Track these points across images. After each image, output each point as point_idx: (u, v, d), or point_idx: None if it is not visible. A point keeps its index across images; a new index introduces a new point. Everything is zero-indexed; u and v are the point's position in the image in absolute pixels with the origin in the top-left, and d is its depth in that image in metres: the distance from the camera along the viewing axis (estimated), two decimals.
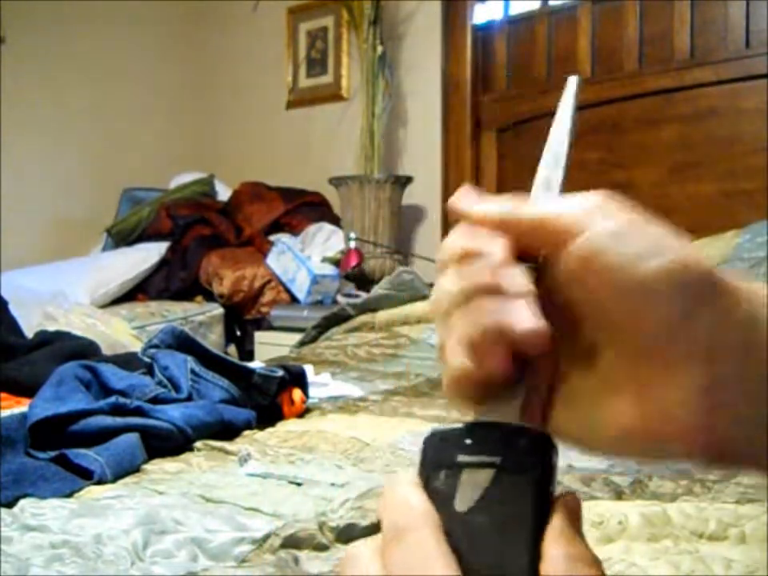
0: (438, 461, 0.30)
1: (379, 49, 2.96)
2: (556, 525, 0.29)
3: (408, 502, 0.29)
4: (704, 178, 2.38)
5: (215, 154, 3.90)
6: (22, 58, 3.41)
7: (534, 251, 0.33)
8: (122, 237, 3.37)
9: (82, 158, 3.67)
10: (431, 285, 2.35)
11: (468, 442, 0.30)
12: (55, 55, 3.54)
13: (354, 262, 2.76)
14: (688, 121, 2.44)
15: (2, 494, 0.82)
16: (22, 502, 0.79)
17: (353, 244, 2.79)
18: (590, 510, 0.71)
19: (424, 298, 2.20)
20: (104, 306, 2.86)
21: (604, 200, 0.31)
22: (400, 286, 2.22)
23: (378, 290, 2.25)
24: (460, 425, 0.31)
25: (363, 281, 2.79)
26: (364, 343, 1.96)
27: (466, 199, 0.35)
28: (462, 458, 0.30)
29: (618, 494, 0.83)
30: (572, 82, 0.37)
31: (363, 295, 2.39)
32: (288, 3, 3.60)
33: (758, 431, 0.30)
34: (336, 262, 2.85)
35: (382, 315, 2.13)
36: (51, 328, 1.87)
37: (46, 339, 1.62)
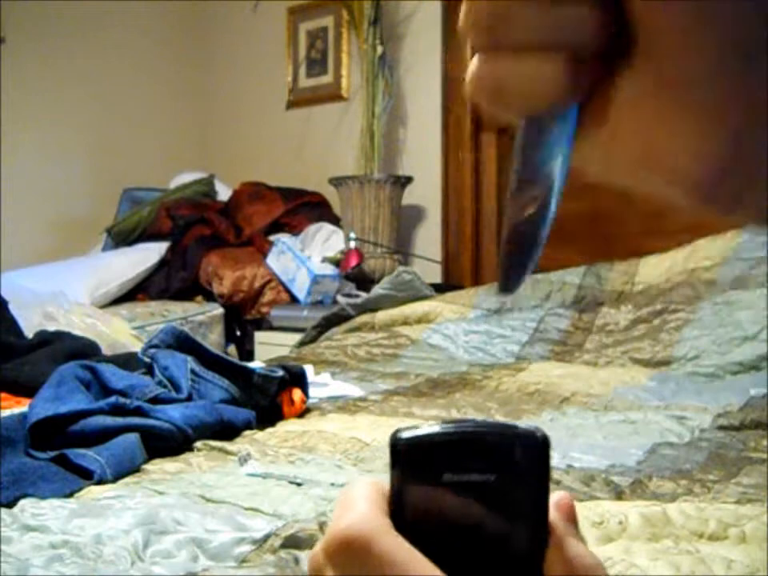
0: (418, 476, 0.27)
1: (379, 49, 2.96)
2: (555, 530, 0.28)
3: (361, 512, 0.27)
4: None
5: (215, 154, 3.90)
6: (22, 57, 3.41)
7: None
8: (122, 237, 3.37)
9: (82, 158, 3.67)
10: (431, 285, 2.36)
11: (453, 454, 0.27)
12: (55, 55, 3.53)
13: (354, 262, 2.76)
14: None
15: (2, 494, 0.82)
16: (22, 502, 0.79)
17: (353, 244, 2.79)
18: (590, 510, 0.71)
19: (424, 298, 2.20)
20: (104, 306, 2.86)
21: None
22: (400, 286, 2.22)
23: (378, 289, 2.25)
24: (437, 428, 0.28)
25: (363, 281, 2.79)
26: (364, 343, 1.96)
27: None
28: (449, 476, 0.27)
29: (618, 494, 0.83)
30: None
31: (363, 295, 2.39)
32: (288, 3, 3.60)
33: None
34: (336, 262, 2.85)
35: (382, 315, 2.13)
36: (51, 328, 1.87)
37: (45, 339, 1.62)
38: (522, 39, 0.25)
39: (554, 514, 0.28)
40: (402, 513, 0.28)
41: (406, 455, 0.27)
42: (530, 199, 0.27)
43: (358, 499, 0.28)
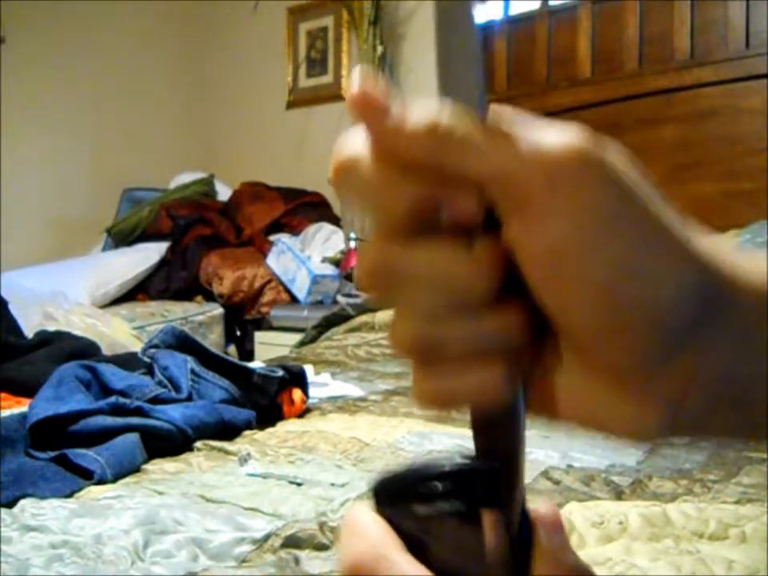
0: (394, 512, 0.28)
1: (379, 49, 2.96)
2: (541, 546, 0.28)
3: (369, 532, 0.28)
4: (704, 177, 2.38)
5: (215, 154, 3.90)
6: (22, 58, 3.41)
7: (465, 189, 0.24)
8: (122, 237, 3.37)
9: (82, 157, 3.67)
10: None
11: (419, 487, 0.28)
12: (55, 55, 3.53)
13: (354, 261, 2.76)
14: (688, 121, 2.44)
15: (2, 494, 0.81)
16: (22, 502, 0.79)
17: (353, 244, 2.79)
18: (590, 510, 0.71)
19: None
20: (104, 306, 2.86)
21: (585, 159, 0.23)
22: None
23: None
24: (404, 468, 0.29)
25: None
26: (364, 343, 1.96)
27: (375, 89, 0.24)
28: (420, 509, 0.28)
29: (618, 494, 0.83)
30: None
31: (363, 295, 2.38)
32: (288, 3, 3.60)
33: (727, 410, 0.28)
34: (336, 262, 2.85)
35: (382, 315, 2.13)
36: (51, 328, 1.87)
37: (45, 339, 1.62)
38: (455, 353, 0.26)
39: (538, 528, 0.29)
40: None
41: (379, 496, 0.29)
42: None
43: (367, 521, 0.29)
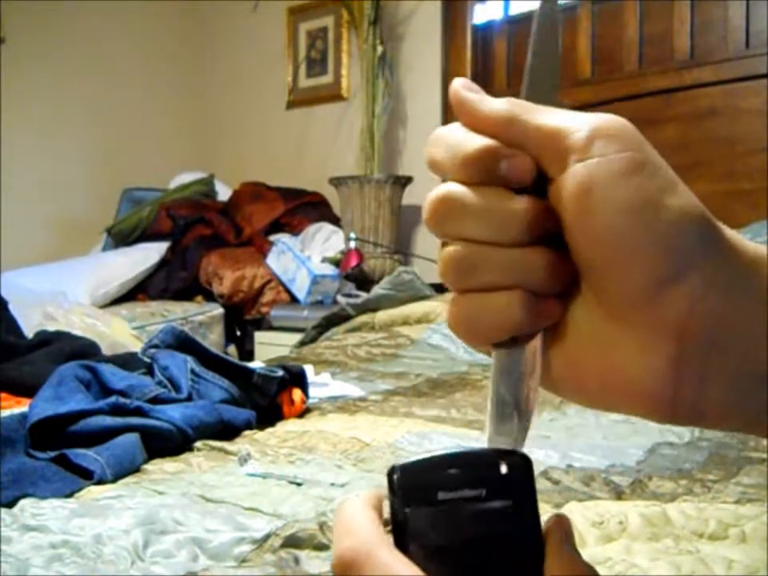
0: (415, 498, 0.29)
1: (379, 49, 2.96)
2: (554, 546, 0.29)
3: (359, 527, 0.29)
4: (704, 177, 2.38)
5: (215, 154, 3.90)
6: (22, 57, 3.41)
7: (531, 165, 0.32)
8: (122, 237, 3.37)
9: (82, 158, 3.67)
10: (431, 285, 2.36)
11: (447, 475, 0.29)
12: (55, 55, 3.54)
13: (354, 262, 2.76)
14: (688, 121, 2.44)
15: (2, 493, 0.81)
16: (22, 502, 0.79)
17: (353, 244, 2.79)
18: (590, 510, 0.71)
19: (424, 297, 2.20)
20: (104, 306, 2.86)
21: (620, 127, 0.31)
22: (400, 286, 2.22)
23: (377, 290, 2.25)
24: (428, 455, 0.30)
25: (363, 281, 2.79)
26: (364, 343, 1.96)
27: (469, 90, 0.33)
28: (444, 495, 0.28)
29: (618, 494, 0.83)
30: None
31: (363, 295, 2.39)
32: (288, 3, 3.60)
33: (728, 394, 0.30)
34: (336, 262, 2.85)
35: (382, 315, 2.13)
36: (51, 328, 1.87)
37: (45, 339, 1.62)
38: (486, 281, 0.31)
39: (550, 527, 0.30)
40: (403, 536, 0.29)
41: (402, 480, 0.29)
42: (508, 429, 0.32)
43: (356, 516, 0.30)
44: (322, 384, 1.46)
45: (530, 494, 0.29)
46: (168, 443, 1.02)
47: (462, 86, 0.32)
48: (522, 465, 0.30)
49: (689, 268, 0.29)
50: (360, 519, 0.29)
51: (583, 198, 0.29)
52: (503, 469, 0.29)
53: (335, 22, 3.45)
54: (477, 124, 0.32)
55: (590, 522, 0.68)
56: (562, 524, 0.30)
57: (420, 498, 0.29)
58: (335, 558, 0.29)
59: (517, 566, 0.28)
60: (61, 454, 0.93)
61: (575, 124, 0.30)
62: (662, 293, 0.29)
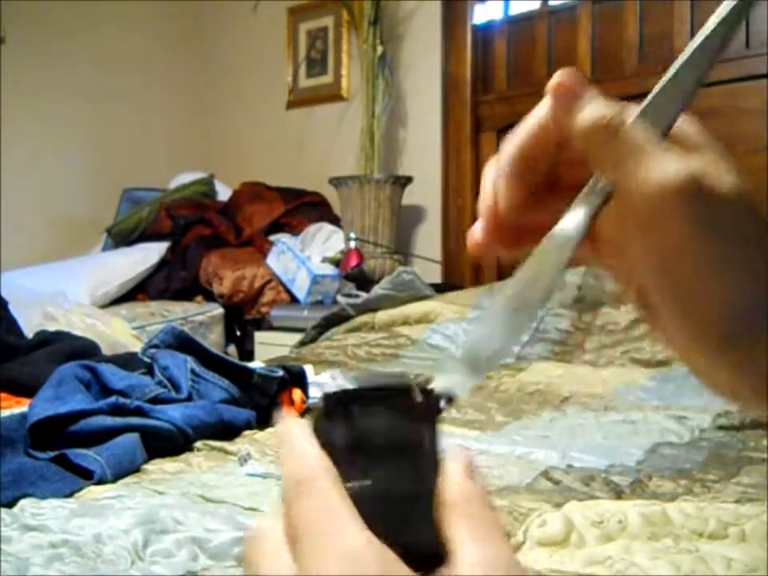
0: (332, 415, 0.31)
1: (379, 49, 2.96)
2: (451, 473, 0.30)
3: (306, 454, 0.30)
4: None
5: (215, 154, 3.90)
6: (22, 58, 3.41)
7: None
8: (122, 237, 3.37)
9: (82, 157, 3.67)
10: (431, 285, 2.35)
11: (362, 398, 0.31)
12: (55, 55, 3.53)
13: (353, 261, 2.76)
14: None
15: (2, 493, 0.82)
16: (22, 502, 0.79)
17: (353, 244, 2.79)
18: (590, 510, 0.71)
19: (424, 298, 2.20)
20: (104, 306, 2.86)
21: (693, 186, 0.32)
22: (400, 286, 2.22)
23: (377, 290, 2.25)
24: (354, 387, 0.32)
25: (363, 281, 2.79)
26: (364, 343, 1.96)
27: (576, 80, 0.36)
28: (357, 410, 0.31)
29: (618, 494, 0.83)
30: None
31: (363, 295, 2.38)
32: (288, 3, 3.60)
33: None
34: (336, 262, 2.85)
35: (382, 315, 2.13)
36: (51, 328, 1.87)
37: (45, 339, 1.62)
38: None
39: (452, 455, 0.31)
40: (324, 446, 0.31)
41: (325, 404, 0.31)
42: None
43: (303, 443, 0.30)
44: (322, 384, 1.46)
45: (432, 428, 0.31)
46: (168, 443, 1.02)
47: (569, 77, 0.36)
48: (432, 394, 0.33)
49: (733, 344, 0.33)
50: (309, 444, 0.30)
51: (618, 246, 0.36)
52: (416, 395, 0.31)
53: (335, 22, 3.45)
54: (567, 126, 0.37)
55: (590, 521, 0.68)
56: (465, 454, 0.31)
57: (338, 416, 0.31)
58: (285, 481, 0.30)
59: (414, 472, 0.30)
60: (61, 453, 0.93)
61: (640, 180, 0.33)
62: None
